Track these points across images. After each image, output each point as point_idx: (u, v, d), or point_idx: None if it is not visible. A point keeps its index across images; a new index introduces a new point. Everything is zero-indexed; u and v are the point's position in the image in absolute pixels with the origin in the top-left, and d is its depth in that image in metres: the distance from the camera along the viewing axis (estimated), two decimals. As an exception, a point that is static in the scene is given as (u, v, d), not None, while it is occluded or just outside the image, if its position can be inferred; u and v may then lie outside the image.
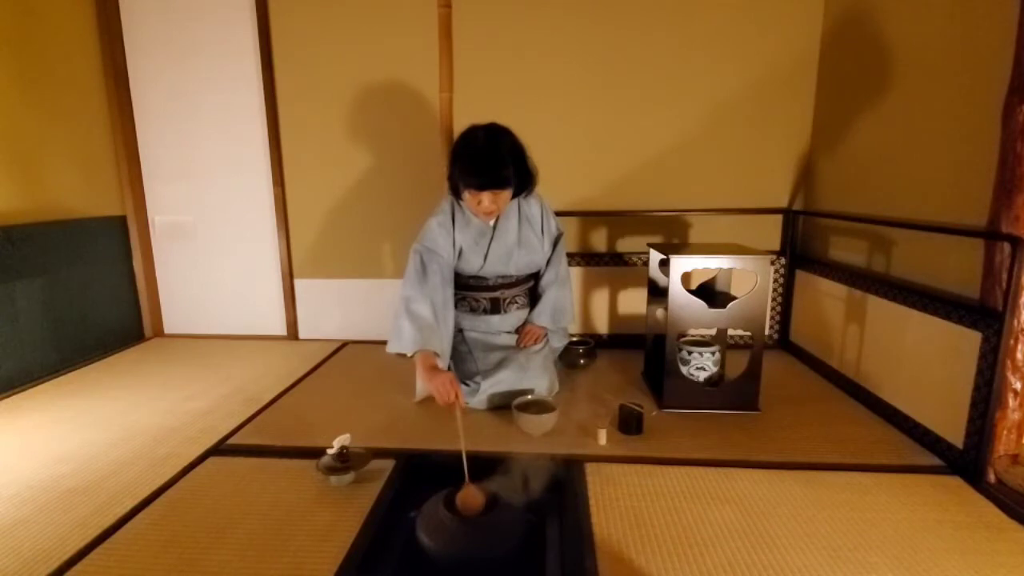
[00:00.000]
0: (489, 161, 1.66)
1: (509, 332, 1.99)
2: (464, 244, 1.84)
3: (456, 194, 1.80)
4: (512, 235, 1.88)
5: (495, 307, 1.94)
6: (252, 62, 2.51)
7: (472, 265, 1.87)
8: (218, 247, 2.73)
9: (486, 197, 1.69)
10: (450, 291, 1.85)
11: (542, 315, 1.97)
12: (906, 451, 1.57)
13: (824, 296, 2.17)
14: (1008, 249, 1.34)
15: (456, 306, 1.93)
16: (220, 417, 1.83)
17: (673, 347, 1.82)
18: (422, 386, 1.82)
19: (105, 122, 2.56)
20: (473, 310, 1.95)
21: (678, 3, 2.30)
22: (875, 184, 1.94)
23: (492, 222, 1.85)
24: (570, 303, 2.04)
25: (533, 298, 2.03)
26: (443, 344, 1.77)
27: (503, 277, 1.93)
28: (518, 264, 1.91)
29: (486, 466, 1.34)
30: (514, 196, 1.80)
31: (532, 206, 1.93)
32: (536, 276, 2.03)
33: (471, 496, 1.21)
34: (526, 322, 2.00)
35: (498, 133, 1.70)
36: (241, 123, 2.58)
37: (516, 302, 1.97)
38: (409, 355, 1.73)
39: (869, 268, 1.97)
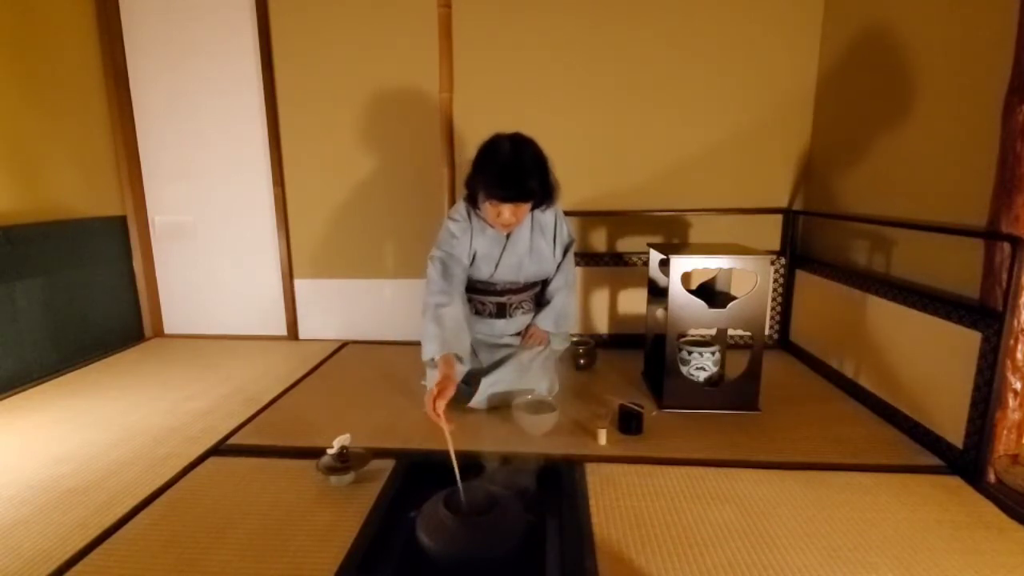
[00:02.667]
0: (515, 175, 1.62)
1: (513, 334, 1.99)
2: (478, 251, 1.82)
3: (474, 202, 1.78)
4: (524, 245, 1.85)
5: (501, 312, 1.94)
6: (252, 62, 2.51)
7: (483, 272, 1.87)
8: (218, 247, 2.73)
9: (507, 210, 1.66)
10: (465, 297, 1.86)
11: (546, 320, 1.97)
12: (906, 451, 1.57)
13: (824, 296, 2.17)
14: (1008, 249, 1.34)
15: None
16: (220, 417, 1.83)
17: (673, 347, 1.82)
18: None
19: (105, 122, 2.56)
20: (479, 313, 1.94)
21: (678, 2, 2.30)
22: (875, 184, 1.94)
23: (506, 234, 1.83)
24: (574, 309, 2.04)
25: (539, 302, 2.02)
26: (467, 348, 1.75)
27: (511, 283, 1.92)
28: (527, 273, 1.91)
29: (485, 466, 1.34)
30: (533, 208, 1.77)
31: (546, 214, 1.89)
32: (544, 282, 2.02)
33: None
34: (530, 325, 2.00)
35: (523, 145, 1.66)
36: (241, 123, 2.58)
37: (522, 307, 1.97)
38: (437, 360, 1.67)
39: (869, 268, 1.97)
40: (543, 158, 1.69)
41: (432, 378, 1.83)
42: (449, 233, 1.80)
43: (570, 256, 1.98)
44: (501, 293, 1.92)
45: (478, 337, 1.94)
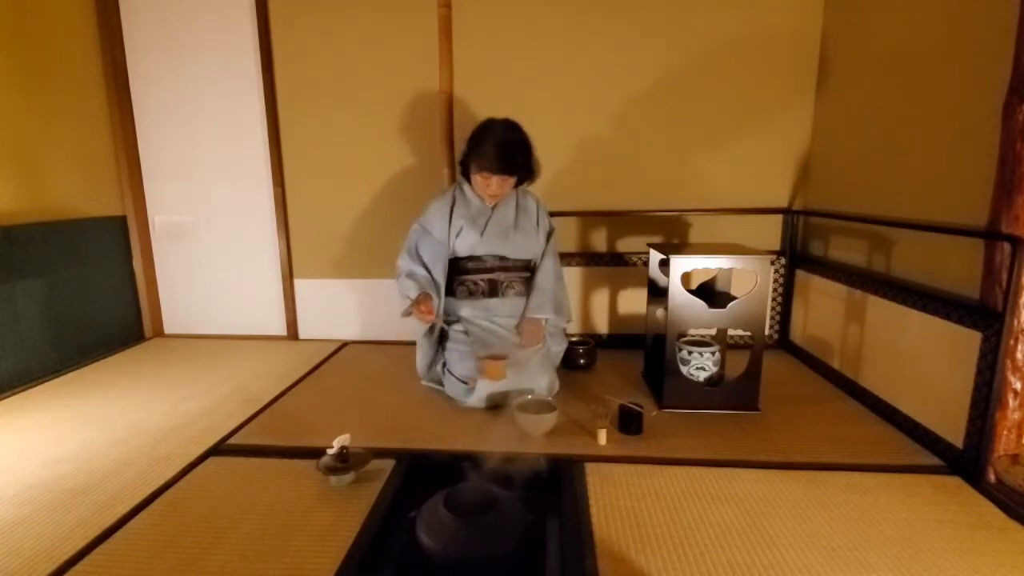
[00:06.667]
0: (506, 150, 1.86)
1: (507, 318, 1.99)
2: (464, 222, 1.98)
3: (466, 175, 1.99)
4: (509, 217, 2.01)
5: (493, 289, 2.00)
6: (252, 62, 2.51)
7: (470, 240, 1.97)
8: (218, 247, 2.73)
9: (496, 181, 1.89)
10: (440, 270, 1.97)
11: (544, 307, 1.98)
12: (906, 451, 1.57)
13: (824, 296, 2.17)
14: (1008, 249, 1.34)
15: (455, 292, 2.01)
16: (220, 417, 1.83)
17: (673, 347, 1.82)
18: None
19: (105, 122, 2.56)
20: (472, 293, 2.00)
21: (680, 5, 2.30)
22: (875, 184, 1.94)
23: (491, 204, 2.00)
24: (568, 300, 2.10)
25: (530, 293, 2.03)
26: (440, 301, 1.96)
27: (500, 259, 1.99)
28: (515, 245, 1.99)
29: (485, 465, 1.34)
30: (517, 184, 1.98)
31: (528, 200, 2.08)
32: (531, 270, 2.05)
33: (495, 366, 1.70)
34: (525, 318, 1.99)
35: (514, 127, 1.91)
36: (241, 123, 2.58)
37: (513, 287, 2.01)
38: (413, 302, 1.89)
39: (869, 268, 1.97)
40: (528, 140, 1.93)
41: (418, 357, 2.05)
42: (430, 207, 2.03)
43: (552, 246, 2.08)
44: (491, 270, 2.00)
45: (476, 330, 1.96)
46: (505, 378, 1.79)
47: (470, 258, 2.00)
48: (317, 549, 1.17)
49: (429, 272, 1.96)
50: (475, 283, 2.00)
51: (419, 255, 1.99)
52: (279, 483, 1.43)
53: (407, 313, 1.94)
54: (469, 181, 1.99)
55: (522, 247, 2.02)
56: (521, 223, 2.02)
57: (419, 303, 1.86)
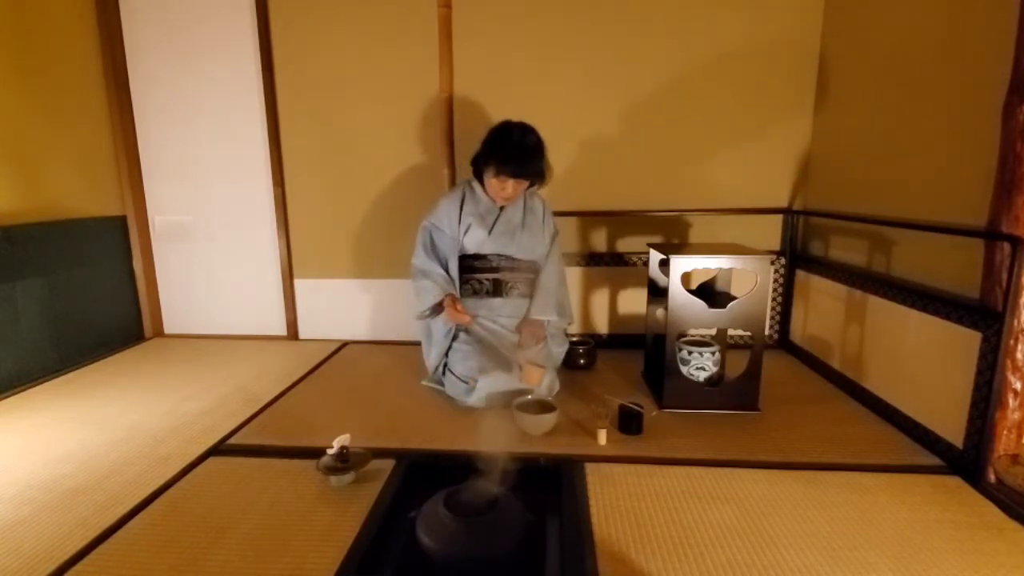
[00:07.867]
0: (523, 155, 1.88)
1: (510, 318, 1.99)
2: (472, 219, 1.98)
3: (478, 174, 1.99)
4: (517, 217, 2.02)
5: (497, 289, 2.00)
6: (252, 62, 2.51)
7: (477, 237, 1.97)
8: (218, 247, 2.73)
9: (512, 185, 1.89)
10: (454, 266, 1.97)
11: (547, 308, 1.99)
12: (906, 451, 1.57)
13: (824, 296, 2.17)
14: (1008, 249, 1.34)
15: (459, 291, 1.99)
16: (220, 417, 1.83)
17: (673, 347, 1.82)
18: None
19: (105, 122, 2.56)
20: (476, 292, 2.00)
21: (680, 6, 2.30)
22: (875, 184, 1.94)
23: (501, 205, 2.00)
24: (569, 301, 2.10)
25: (533, 294, 2.03)
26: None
27: (506, 259, 1.99)
28: (521, 244, 1.99)
29: (485, 465, 1.34)
30: (529, 186, 1.99)
31: (535, 201, 2.07)
32: (535, 271, 2.05)
33: (539, 372, 1.80)
34: (527, 319, 1.99)
35: (531, 131, 1.91)
36: (241, 123, 2.58)
37: (517, 288, 2.01)
38: (436, 306, 1.93)
39: (869, 268, 1.97)
40: (543, 143, 1.93)
41: (433, 355, 2.02)
42: (439, 205, 2.03)
43: (556, 249, 2.08)
44: (496, 269, 2.00)
45: (477, 329, 1.96)
46: (544, 383, 1.88)
47: (475, 256, 1.99)
48: (317, 549, 1.17)
49: (446, 269, 1.97)
50: (480, 282, 2.00)
51: (435, 251, 1.99)
52: (279, 483, 1.43)
53: (423, 316, 1.95)
54: (480, 180, 1.99)
55: (528, 247, 2.01)
56: (528, 223, 2.02)
57: (453, 305, 1.88)
